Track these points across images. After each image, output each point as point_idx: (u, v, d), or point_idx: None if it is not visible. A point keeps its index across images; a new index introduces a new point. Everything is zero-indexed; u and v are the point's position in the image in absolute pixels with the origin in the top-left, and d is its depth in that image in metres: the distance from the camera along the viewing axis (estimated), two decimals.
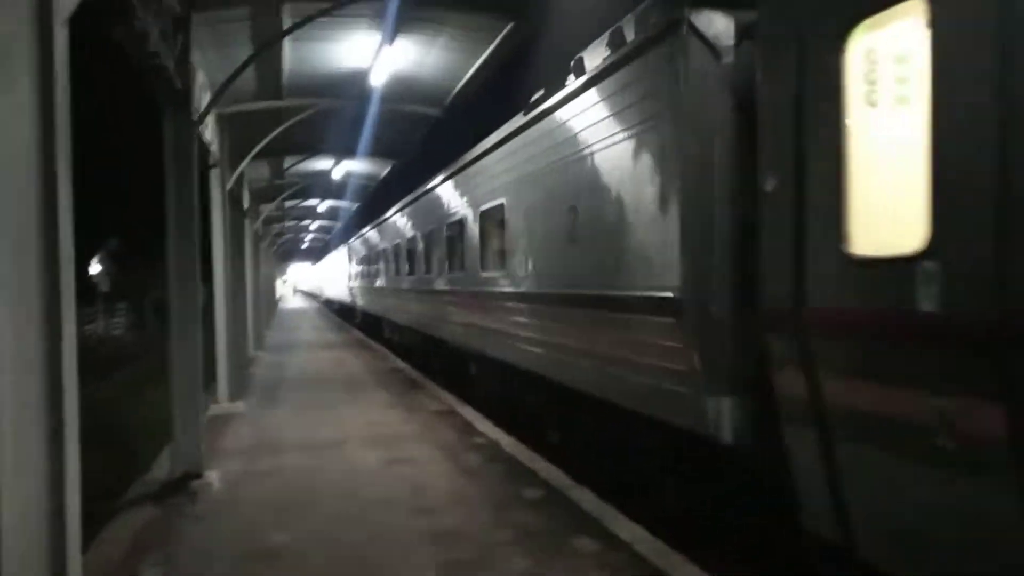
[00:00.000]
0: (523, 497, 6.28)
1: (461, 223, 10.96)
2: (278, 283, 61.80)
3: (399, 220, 17.41)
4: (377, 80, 9.46)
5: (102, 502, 6.10)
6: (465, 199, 10.82)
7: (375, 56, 9.01)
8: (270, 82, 10.06)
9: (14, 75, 2.53)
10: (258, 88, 10.25)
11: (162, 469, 7.22)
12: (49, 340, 2.58)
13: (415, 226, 15.26)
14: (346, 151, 16.26)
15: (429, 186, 13.51)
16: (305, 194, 22.58)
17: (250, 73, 8.98)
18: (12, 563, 2.34)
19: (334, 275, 40.26)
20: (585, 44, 6.49)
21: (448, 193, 11.99)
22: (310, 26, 7.49)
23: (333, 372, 15.45)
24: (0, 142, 2.50)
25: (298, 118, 11.09)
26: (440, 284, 12.79)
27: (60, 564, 2.52)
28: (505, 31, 8.39)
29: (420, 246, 14.61)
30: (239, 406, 10.75)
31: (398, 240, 17.62)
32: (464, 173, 10.77)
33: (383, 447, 8.25)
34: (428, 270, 13.75)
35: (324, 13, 6.77)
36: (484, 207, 9.64)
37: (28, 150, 2.60)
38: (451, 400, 11.39)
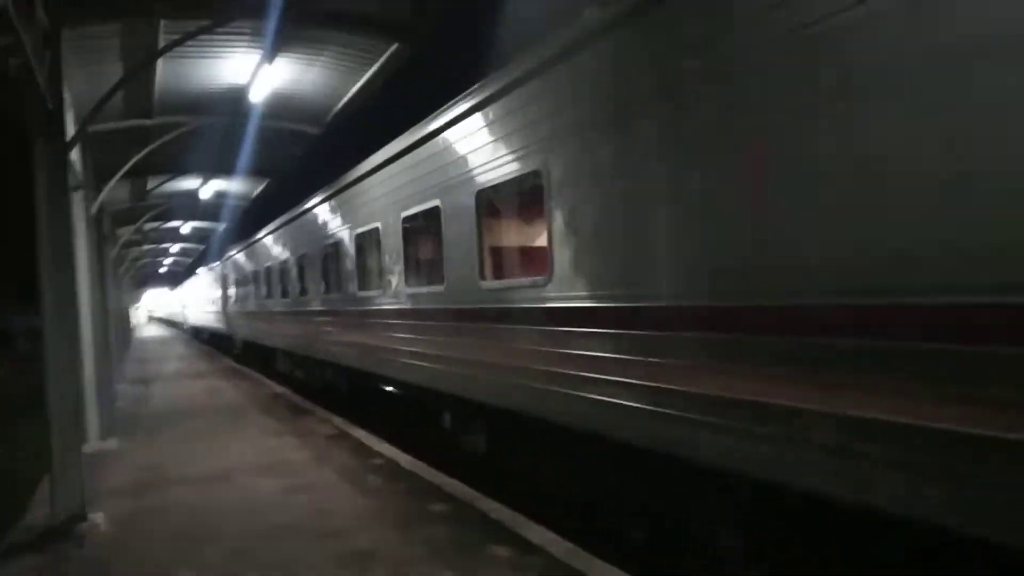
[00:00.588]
0: (430, 511, 6.35)
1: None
2: (131, 310, 57.61)
3: (299, 232, 14.36)
4: (256, 97, 9.25)
5: None
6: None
7: (254, 74, 8.81)
8: (139, 100, 9.56)
9: None
10: (125, 106, 9.71)
11: (37, 513, 6.69)
12: None
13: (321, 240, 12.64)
14: (216, 170, 15.63)
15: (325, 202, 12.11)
16: (168, 216, 21.40)
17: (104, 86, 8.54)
18: None
19: (203, 300, 36.98)
20: (469, 66, 6.96)
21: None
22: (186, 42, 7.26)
23: (210, 402, 14.69)
24: None
25: (168, 137, 10.58)
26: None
27: None
28: (388, 52, 8.48)
29: (327, 262, 12.41)
30: (111, 443, 10.05)
31: (302, 254, 14.37)
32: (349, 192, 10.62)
33: (278, 475, 8.01)
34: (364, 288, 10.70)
35: (204, 31, 6.58)
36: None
37: None
38: (341, 423, 11.20)
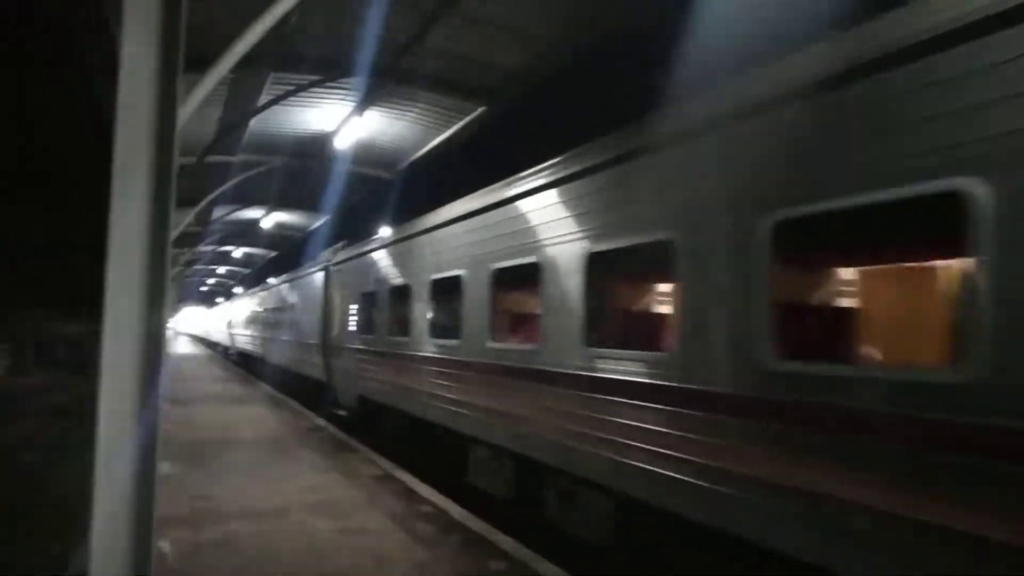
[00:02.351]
0: (488, 568, 6.40)
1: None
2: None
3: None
4: (341, 145, 9.65)
5: None
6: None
7: (342, 123, 9.22)
8: (228, 138, 10.03)
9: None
10: (212, 143, 10.18)
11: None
12: None
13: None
14: (279, 203, 16.15)
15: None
16: (223, 241, 22.02)
17: (209, 127, 8.98)
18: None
19: (256, 324, 30.25)
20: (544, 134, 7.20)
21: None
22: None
23: (252, 431, 14.89)
24: None
25: (249, 174, 11.04)
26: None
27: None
28: (475, 114, 8.83)
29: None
30: (165, 467, 10.25)
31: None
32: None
33: (331, 515, 8.12)
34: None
35: (315, 85, 6.96)
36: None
37: None
38: (386, 464, 11.30)
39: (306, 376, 18.31)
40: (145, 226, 2.88)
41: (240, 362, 35.78)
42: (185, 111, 3.56)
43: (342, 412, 14.80)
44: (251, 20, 3.97)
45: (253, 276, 36.36)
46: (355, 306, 12.55)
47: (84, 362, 27.81)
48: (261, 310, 27.94)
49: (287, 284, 21.97)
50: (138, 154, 2.88)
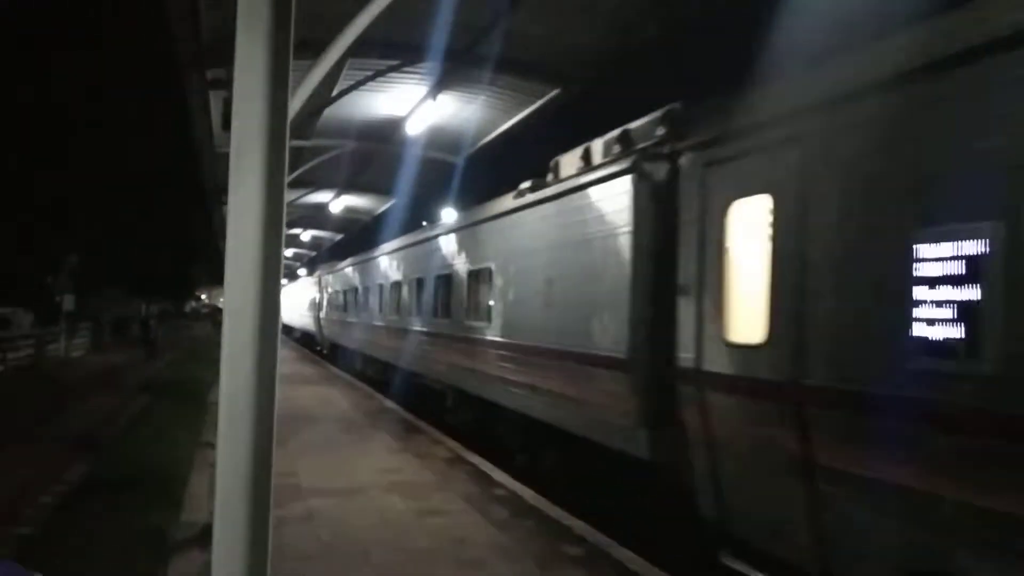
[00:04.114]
0: (565, 554, 6.41)
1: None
2: None
3: None
4: (413, 130, 9.70)
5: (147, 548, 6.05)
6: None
7: (415, 107, 9.26)
8: (301, 122, 10.19)
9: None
10: (292, 128, 10.37)
11: (194, 510, 7.17)
12: None
13: None
14: (348, 186, 16.39)
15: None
16: (294, 224, 22.54)
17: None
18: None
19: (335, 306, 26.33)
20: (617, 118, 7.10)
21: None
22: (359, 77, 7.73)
23: (323, 411, 15.26)
24: None
25: (323, 158, 11.22)
26: None
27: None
28: (549, 96, 8.74)
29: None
30: None
31: None
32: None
33: (407, 495, 8.26)
34: None
35: (393, 69, 7.00)
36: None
37: None
38: (456, 446, 11.43)
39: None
40: (260, 210, 2.96)
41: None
42: (298, 98, 3.61)
43: None
44: (360, 7, 3.99)
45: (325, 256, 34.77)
46: None
47: (153, 340, 29.14)
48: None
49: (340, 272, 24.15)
50: (252, 142, 2.94)
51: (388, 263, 17.83)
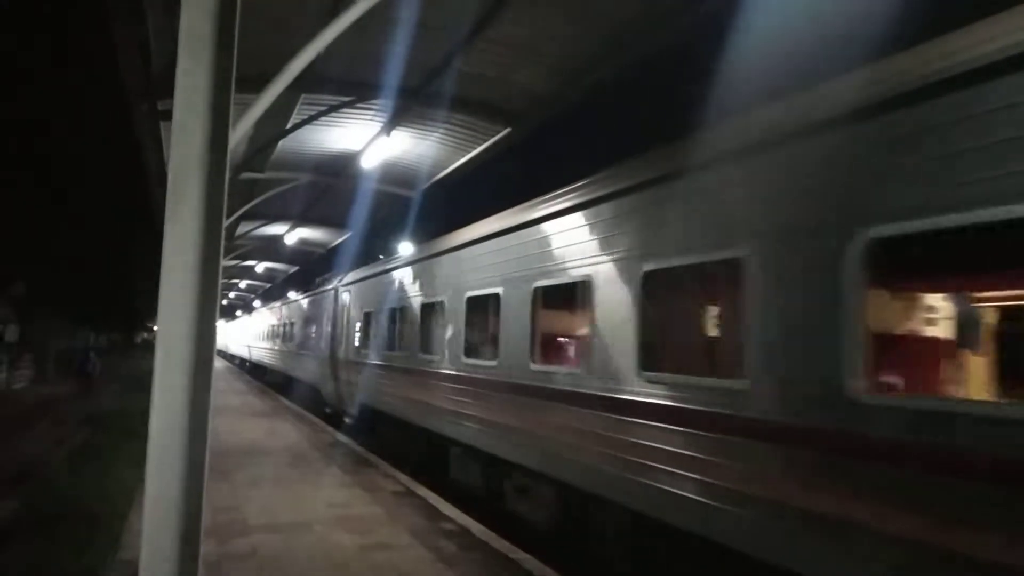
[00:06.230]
0: None
1: None
2: None
3: None
4: (368, 164, 9.80)
5: None
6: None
7: (369, 142, 9.37)
8: (254, 155, 10.22)
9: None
10: (242, 161, 10.38)
11: (128, 549, 6.97)
12: None
13: None
14: (302, 219, 16.35)
15: None
16: (248, 256, 22.30)
17: (241, 146, 9.15)
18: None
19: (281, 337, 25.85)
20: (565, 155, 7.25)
21: None
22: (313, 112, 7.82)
23: (272, 443, 14.97)
24: None
25: (277, 191, 11.23)
26: None
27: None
28: (499, 135, 8.94)
29: None
30: None
31: None
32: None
33: (354, 531, 8.17)
34: None
35: (345, 105, 7.12)
36: None
37: None
38: (406, 480, 11.34)
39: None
40: (197, 242, 2.98)
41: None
42: (239, 130, 3.67)
43: None
44: (304, 43, 4.09)
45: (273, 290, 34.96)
46: None
47: (90, 372, 28.27)
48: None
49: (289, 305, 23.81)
50: (191, 172, 2.98)
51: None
